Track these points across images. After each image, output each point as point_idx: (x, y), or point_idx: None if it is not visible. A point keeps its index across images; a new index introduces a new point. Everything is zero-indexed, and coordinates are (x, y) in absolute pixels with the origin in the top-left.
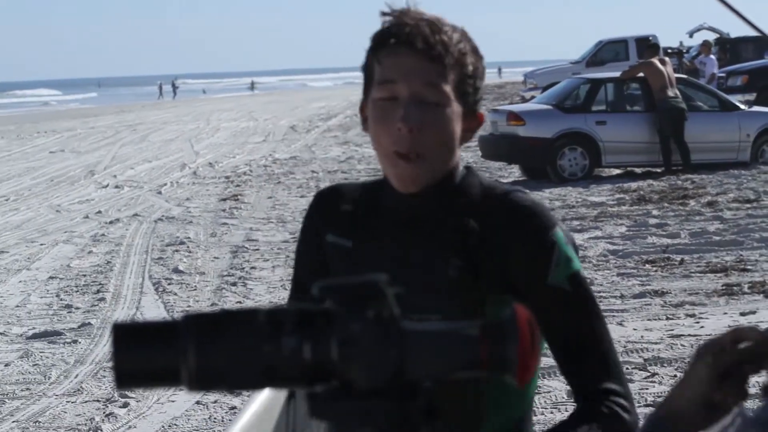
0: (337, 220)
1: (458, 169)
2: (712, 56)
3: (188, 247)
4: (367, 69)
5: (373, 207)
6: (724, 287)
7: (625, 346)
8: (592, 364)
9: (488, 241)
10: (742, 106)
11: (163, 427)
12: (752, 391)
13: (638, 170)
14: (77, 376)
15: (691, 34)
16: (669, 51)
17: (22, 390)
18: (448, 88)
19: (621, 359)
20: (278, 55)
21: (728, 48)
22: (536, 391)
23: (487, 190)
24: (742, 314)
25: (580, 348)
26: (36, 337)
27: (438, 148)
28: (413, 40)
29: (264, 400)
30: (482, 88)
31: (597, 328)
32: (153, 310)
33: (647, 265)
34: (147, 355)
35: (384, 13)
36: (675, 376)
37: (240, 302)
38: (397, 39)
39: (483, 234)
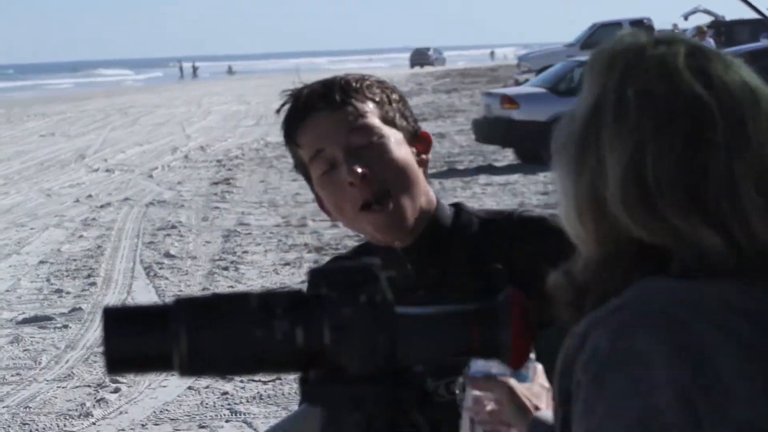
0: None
1: (442, 210)
2: (710, 39)
3: (179, 231)
4: (297, 162)
5: None
6: None
7: None
8: None
9: (517, 270)
10: None
11: (154, 412)
12: None
13: None
14: (68, 361)
15: (686, 17)
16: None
17: (12, 375)
18: (374, 121)
19: None
20: (259, 38)
21: (723, 31)
22: None
23: (488, 220)
24: None
25: None
26: (26, 322)
27: (398, 178)
28: (314, 104)
29: None
30: (410, 113)
31: None
32: (144, 295)
33: None
34: (138, 339)
35: (284, 102)
36: None
37: (232, 287)
38: (298, 112)
39: (509, 265)
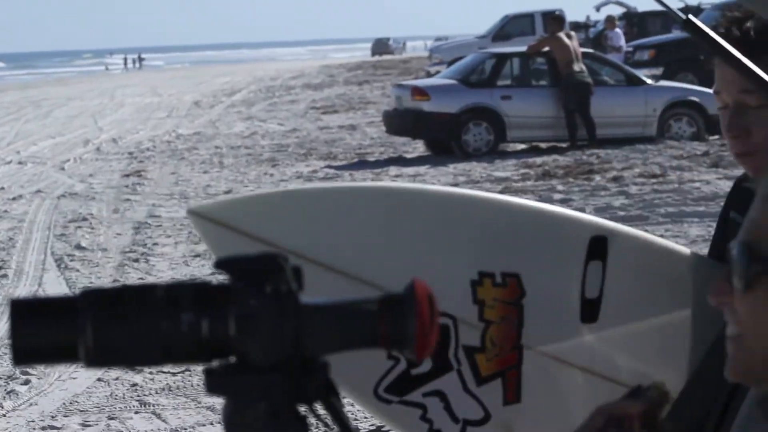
0: (739, 199)
1: None
2: (618, 30)
3: (91, 223)
4: None
5: None
6: None
7: None
8: None
9: None
10: (649, 81)
11: (64, 404)
12: None
13: (543, 145)
14: None
15: (598, 8)
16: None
17: None
18: None
19: None
20: (214, 28)
21: (635, 22)
22: None
23: None
24: None
25: None
26: None
27: (766, 145)
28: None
29: None
30: None
31: None
32: (55, 287)
33: None
34: (45, 331)
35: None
36: None
37: (142, 278)
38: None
39: None
